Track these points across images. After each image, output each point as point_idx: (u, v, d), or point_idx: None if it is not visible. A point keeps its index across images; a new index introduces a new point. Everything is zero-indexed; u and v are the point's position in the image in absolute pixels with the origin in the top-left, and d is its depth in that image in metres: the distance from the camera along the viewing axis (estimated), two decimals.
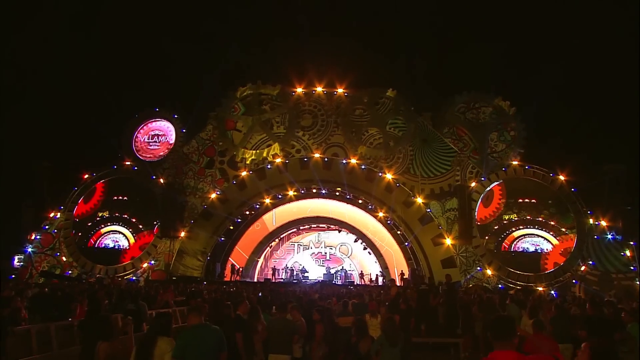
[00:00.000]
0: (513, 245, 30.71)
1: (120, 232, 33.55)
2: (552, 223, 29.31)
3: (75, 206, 32.21)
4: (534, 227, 30.40)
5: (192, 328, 5.41)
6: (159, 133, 33.47)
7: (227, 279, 29.79)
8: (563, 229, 28.78)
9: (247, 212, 31.14)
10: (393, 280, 13.23)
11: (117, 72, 42.13)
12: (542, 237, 30.13)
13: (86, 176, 32.36)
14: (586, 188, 26.90)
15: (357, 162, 29.94)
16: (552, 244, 29.50)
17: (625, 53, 29.89)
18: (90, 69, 40.79)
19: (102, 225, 33.75)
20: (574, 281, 25.61)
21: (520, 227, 30.75)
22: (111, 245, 33.38)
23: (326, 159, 30.38)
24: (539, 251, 29.73)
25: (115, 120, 35.42)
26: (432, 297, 12.42)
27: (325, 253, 34.75)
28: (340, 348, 9.60)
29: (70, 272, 29.99)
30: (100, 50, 42.08)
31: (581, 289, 24.86)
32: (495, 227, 30.57)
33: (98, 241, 33.55)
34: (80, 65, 40.05)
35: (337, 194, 30.74)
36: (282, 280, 31.05)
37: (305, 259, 34.62)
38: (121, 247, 32.86)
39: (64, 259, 30.57)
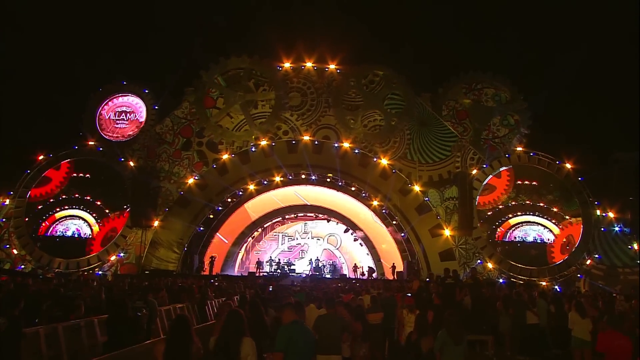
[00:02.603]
0: (509, 233, 31.28)
1: (80, 218, 32.49)
2: (555, 209, 29.88)
3: (28, 192, 30.96)
4: (533, 214, 30.78)
5: (291, 324, 5.61)
6: (127, 110, 32.53)
7: (205, 272, 29.49)
8: (567, 217, 29.36)
9: (229, 200, 30.78)
10: (415, 273, 13.28)
11: (78, 37, 40.39)
12: (542, 225, 30.67)
13: (41, 157, 31.08)
14: (594, 177, 27.71)
15: (350, 145, 29.89)
16: (553, 233, 30.10)
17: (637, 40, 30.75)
18: (47, 33, 39.02)
19: (57, 209, 32.49)
20: (578, 275, 26.50)
21: (518, 213, 31.01)
22: (70, 233, 32.32)
23: (316, 142, 30.23)
24: (539, 241, 30.38)
25: (75, 94, 34.25)
26: (457, 292, 12.62)
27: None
28: (375, 346, 9.69)
29: (22, 266, 29.00)
30: (59, 10, 40.03)
31: (586, 284, 25.82)
32: (489, 213, 30.82)
33: (51, 228, 32.37)
34: (34, 27, 38.13)
35: (328, 180, 30.71)
36: (266, 274, 30.98)
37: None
38: (83, 235, 31.90)
39: (14, 251, 29.46)
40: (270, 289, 14.34)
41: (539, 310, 12.45)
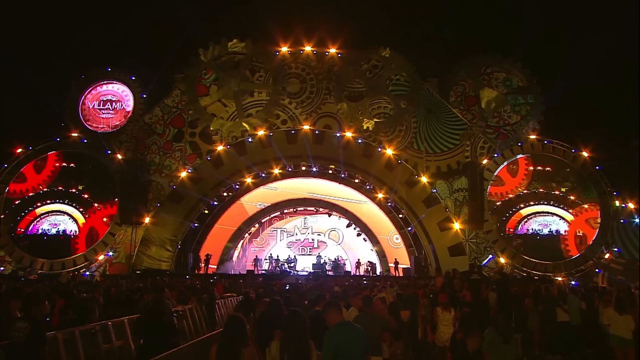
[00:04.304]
0: (520, 226, 31.41)
1: (64, 213, 32.22)
2: (572, 198, 29.94)
3: (6, 187, 30.62)
4: (548, 203, 30.75)
5: (338, 326, 5.41)
6: (112, 99, 32.31)
7: (201, 271, 29.52)
8: (585, 206, 29.38)
9: (225, 194, 30.75)
10: (439, 270, 13.40)
11: (59, 19, 39.68)
12: (557, 215, 30.65)
13: (19, 150, 30.69)
14: (612, 166, 27.81)
15: (353, 135, 29.87)
16: (568, 222, 30.08)
17: None
18: (22, 12, 38.30)
19: (38, 204, 32.08)
20: (596, 270, 26.76)
21: (531, 202, 30.99)
22: (55, 231, 32.06)
23: (317, 132, 30.18)
24: (554, 233, 30.52)
25: (55, 81, 33.83)
26: (483, 288, 12.71)
27: (313, 240, 34.99)
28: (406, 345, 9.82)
29: (2, 268, 28.78)
30: None
31: (604, 279, 26.11)
32: (498, 204, 30.69)
33: (31, 225, 32.04)
34: (9, 8, 37.34)
35: (330, 172, 30.77)
36: (264, 272, 31.09)
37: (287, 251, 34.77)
38: (69, 233, 31.65)
39: None
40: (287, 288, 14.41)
41: (570, 307, 12.56)
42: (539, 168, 30.42)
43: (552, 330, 12.32)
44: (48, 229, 32.12)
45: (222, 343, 4.85)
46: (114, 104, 32.10)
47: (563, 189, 30.14)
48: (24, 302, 8.21)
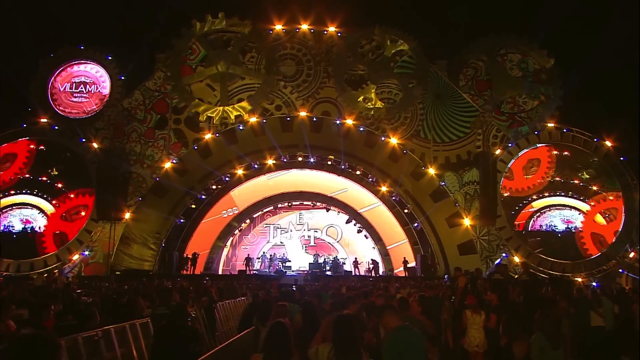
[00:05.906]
0: (532, 221, 31.55)
1: (31, 205, 31.88)
2: (595, 188, 29.99)
3: None
4: (566, 195, 30.93)
5: (399, 331, 5.41)
6: (86, 81, 32.00)
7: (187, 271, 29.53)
8: (611, 198, 29.46)
9: (214, 187, 30.71)
10: (459, 269, 13.51)
11: None
12: (576, 208, 30.78)
13: None
14: (638, 156, 27.99)
15: (354, 122, 29.86)
16: (584, 213, 30.22)
17: None
18: None
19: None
20: (620, 270, 27.07)
21: (545, 194, 31.11)
22: (20, 227, 31.75)
23: (315, 119, 30.16)
24: (573, 230, 30.72)
25: (21, 60, 33.39)
26: (511, 289, 12.86)
27: (309, 237, 35.09)
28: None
29: None
30: None
31: (629, 280, 26.46)
32: (505, 194, 30.65)
33: None
34: None
35: (329, 163, 30.79)
36: (256, 272, 31.18)
37: (292, 245, 34.77)
38: (36, 229, 31.36)
39: None
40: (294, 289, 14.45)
41: (605, 311, 12.70)
42: (555, 152, 30.48)
43: (586, 336, 12.45)
44: (12, 225, 31.81)
45: (267, 355, 4.81)
46: (88, 86, 31.82)
47: (586, 175, 30.22)
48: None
